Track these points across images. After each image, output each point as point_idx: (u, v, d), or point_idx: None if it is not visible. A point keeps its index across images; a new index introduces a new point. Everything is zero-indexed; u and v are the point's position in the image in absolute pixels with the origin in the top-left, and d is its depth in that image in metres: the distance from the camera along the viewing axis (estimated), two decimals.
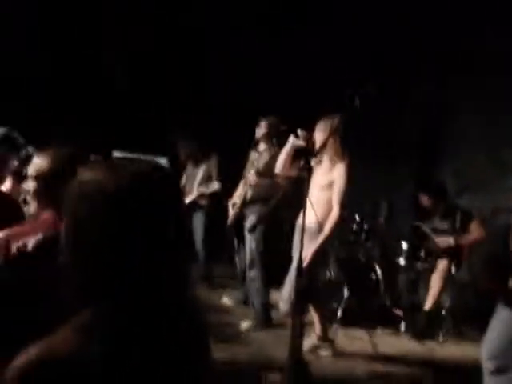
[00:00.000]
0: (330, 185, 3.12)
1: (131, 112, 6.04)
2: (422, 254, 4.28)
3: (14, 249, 1.33)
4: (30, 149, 2.70)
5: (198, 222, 5.20)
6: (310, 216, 2.86)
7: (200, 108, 6.19)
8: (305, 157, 3.21)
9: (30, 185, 1.55)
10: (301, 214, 2.95)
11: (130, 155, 6.46)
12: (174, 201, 0.85)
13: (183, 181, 5.47)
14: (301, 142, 3.16)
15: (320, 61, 5.38)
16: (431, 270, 4.15)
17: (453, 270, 4.09)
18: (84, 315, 0.77)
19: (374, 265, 4.39)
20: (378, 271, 4.34)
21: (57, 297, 0.83)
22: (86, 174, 0.80)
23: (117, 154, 6.48)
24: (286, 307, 3.01)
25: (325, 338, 3.44)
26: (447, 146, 5.15)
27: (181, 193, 0.93)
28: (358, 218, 4.55)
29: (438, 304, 4.06)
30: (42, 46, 5.52)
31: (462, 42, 4.67)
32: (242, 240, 4.23)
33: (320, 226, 3.01)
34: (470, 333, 3.96)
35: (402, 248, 4.40)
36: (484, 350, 1.98)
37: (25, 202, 1.73)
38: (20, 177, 2.26)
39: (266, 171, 3.89)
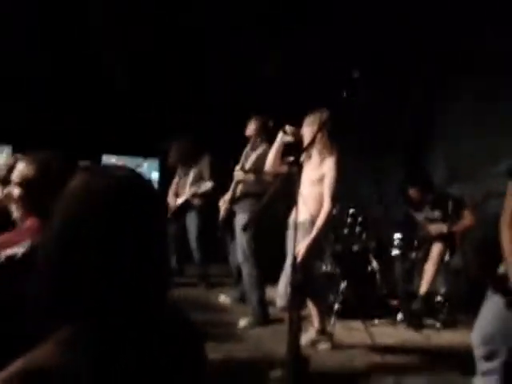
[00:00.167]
0: (321, 179, 3.13)
1: (130, 112, 6.03)
2: (416, 243, 4.32)
3: (2, 257, 1.31)
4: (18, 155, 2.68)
5: (192, 221, 5.20)
6: (303, 211, 2.87)
7: (199, 108, 6.19)
8: (294, 152, 3.23)
9: (14, 191, 1.53)
10: (293, 210, 2.97)
11: (120, 158, 6.48)
12: (158, 208, 0.85)
13: (176, 181, 5.48)
14: (289, 138, 3.17)
15: (320, 61, 5.39)
16: (425, 258, 4.20)
17: (447, 256, 4.14)
18: (67, 328, 0.75)
19: (369, 256, 4.42)
20: (374, 262, 4.37)
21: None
22: (72, 182, 0.80)
23: (107, 157, 6.50)
24: (283, 302, 3.02)
25: (323, 331, 3.46)
26: (436, 135, 5.18)
27: (161, 200, 0.93)
28: (351, 211, 4.57)
29: (432, 289, 4.10)
30: (41, 46, 5.50)
31: (459, 41, 4.70)
32: (233, 237, 4.24)
33: (313, 221, 3.02)
34: (465, 319, 4.00)
35: (395, 238, 4.43)
36: (475, 337, 2.00)
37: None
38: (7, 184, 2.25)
39: (256, 167, 3.90)
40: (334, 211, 4.23)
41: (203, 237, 5.19)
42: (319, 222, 3.06)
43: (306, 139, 3.14)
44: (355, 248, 4.54)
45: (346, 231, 4.58)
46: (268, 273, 3.91)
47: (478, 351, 1.98)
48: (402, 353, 3.41)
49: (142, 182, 0.85)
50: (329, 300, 4.07)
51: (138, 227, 0.78)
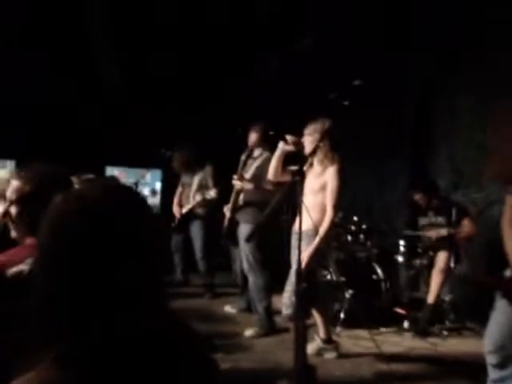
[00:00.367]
0: (323, 188, 3.14)
1: (131, 124, 6.06)
2: (420, 250, 4.31)
3: (9, 275, 1.29)
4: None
5: (196, 231, 5.21)
6: (306, 220, 2.88)
7: (200, 116, 6.23)
8: (296, 162, 3.25)
9: (11, 209, 1.48)
10: (296, 219, 2.98)
11: (123, 170, 6.52)
12: (150, 223, 0.85)
13: (179, 191, 5.50)
14: (290, 147, 3.19)
15: (320, 68, 5.42)
16: (430, 265, 4.18)
17: (452, 263, 4.12)
18: (61, 348, 0.74)
19: (373, 264, 4.41)
20: (378, 270, 4.36)
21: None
22: (57, 198, 0.80)
23: (110, 169, 6.53)
24: (289, 312, 3.02)
25: (329, 340, 3.45)
26: (440, 141, 5.19)
27: (153, 215, 0.92)
28: (355, 219, 4.57)
29: (439, 298, 4.08)
30: (41, 59, 5.53)
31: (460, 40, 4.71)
32: (237, 246, 4.24)
33: (316, 230, 3.03)
34: (471, 326, 3.98)
35: (399, 245, 4.42)
36: (486, 344, 1.99)
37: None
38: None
39: (257, 177, 3.92)
40: (337, 219, 4.26)
41: (208, 246, 5.19)
42: (322, 230, 3.06)
43: (307, 148, 3.15)
44: (359, 256, 4.54)
45: (349, 239, 4.58)
46: (273, 282, 3.91)
47: (490, 358, 1.97)
48: (408, 361, 3.39)
49: (132, 196, 0.84)
50: (334, 309, 4.06)
51: (130, 246, 0.77)
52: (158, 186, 6.87)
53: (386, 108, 5.30)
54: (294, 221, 3.14)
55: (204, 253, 5.16)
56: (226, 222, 4.25)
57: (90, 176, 2.94)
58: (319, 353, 3.41)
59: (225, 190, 4.36)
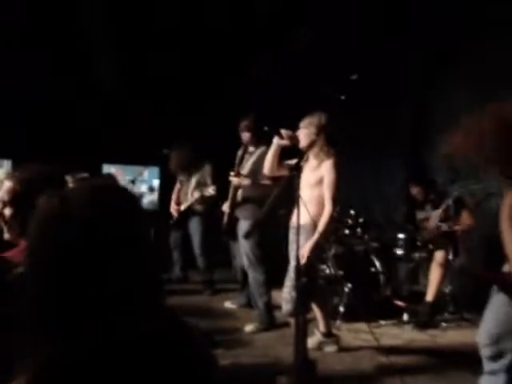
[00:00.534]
0: (320, 182, 3.14)
1: (129, 121, 6.05)
2: (419, 243, 4.32)
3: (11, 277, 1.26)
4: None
5: (195, 227, 5.21)
6: (303, 215, 2.88)
7: (198, 114, 6.21)
8: (292, 156, 3.25)
9: (5, 211, 1.46)
10: (294, 213, 2.98)
11: (120, 167, 6.51)
12: (139, 215, 0.84)
13: (177, 188, 5.49)
14: (285, 142, 3.18)
15: (317, 62, 5.41)
16: (429, 258, 4.20)
17: (450, 256, 4.13)
18: (51, 350, 0.72)
19: (372, 257, 4.42)
20: (377, 264, 4.37)
21: None
22: (43, 199, 0.79)
23: (107, 167, 6.52)
24: (288, 307, 3.03)
25: (329, 334, 3.46)
26: (437, 134, 5.19)
27: (141, 208, 0.90)
28: (352, 213, 4.58)
29: (439, 293, 4.09)
30: (38, 59, 5.51)
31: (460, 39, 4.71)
32: (237, 242, 4.24)
33: (314, 224, 3.03)
34: (470, 318, 4.01)
35: (398, 239, 4.43)
36: (481, 337, 2.00)
37: None
38: None
39: (253, 172, 3.92)
40: (335, 213, 4.26)
41: (206, 242, 5.20)
42: (321, 225, 3.06)
43: (302, 141, 3.15)
44: (358, 249, 4.55)
45: (347, 232, 4.59)
46: (273, 277, 3.92)
47: (485, 351, 1.98)
48: (408, 353, 3.41)
49: (121, 197, 0.84)
50: (333, 302, 4.07)
51: (119, 248, 0.76)
52: (156, 183, 6.86)
53: (384, 103, 5.30)
54: (291, 215, 3.14)
55: (203, 249, 5.17)
56: (225, 218, 4.25)
57: (85, 175, 2.93)
58: (319, 347, 3.43)
59: (223, 187, 4.36)
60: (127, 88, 6.15)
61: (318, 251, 3.18)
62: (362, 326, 3.76)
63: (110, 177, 4.88)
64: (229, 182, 4.10)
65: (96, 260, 0.74)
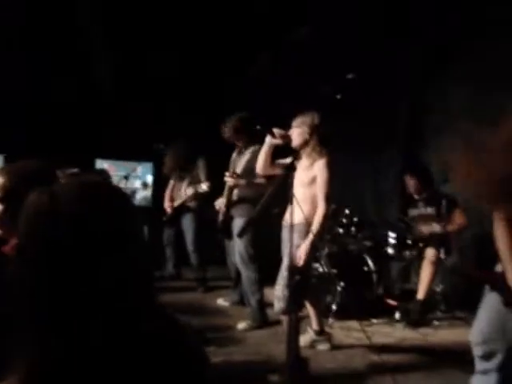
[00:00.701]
0: (312, 181, 3.14)
1: (122, 116, 6.02)
2: (410, 241, 4.34)
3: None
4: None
5: (188, 224, 5.20)
6: (297, 214, 2.88)
7: (192, 110, 6.19)
8: (285, 155, 3.25)
9: None
10: (287, 212, 2.98)
11: (114, 163, 6.47)
12: (129, 213, 0.83)
13: (171, 185, 5.48)
14: (277, 141, 3.18)
15: (312, 61, 5.40)
16: (421, 256, 4.21)
17: (442, 255, 4.15)
18: (41, 350, 0.72)
19: (365, 256, 4.44)
20: (370, 262, 4.39)
21: None
22: (33, 195, 0.78)
23: (100, 162, 6.48)
24: (281, 305, 3.03)
25: (321, 332, 3.47)
26: (430, 134, 5.21)
27: (131, 205, 0.89)
28: (346, 211, 4.59)
29: (430, 291, 4.11)
30: (30, 53, 5.46)
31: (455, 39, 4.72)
32: (231, 240, 4.25)
33: (307, 223, 3.03)
34: (462, 316, 4.03)
35: (390, 237, 4.45)
36: (474, 336, 2.01)
37: None
38: None
39: (247, 172, 3.92)
40: (329, 212, 4.27)
41: (200, 239, 5.19)
42: (315, 225, 3.06)
43: (295, 140, 3.15)
44: (351, 248, 4.56)
45: (341, 231, 4.60)
46: (266, 275, 3.92)
47: (477, 350, 1.99)
48: (400, 352, 3.42)
49: (110, 194, 0.82)
50: (326, 300, 4.08)
51: (109, 245, 0.76)
52: (150, 179, 6.83)
53: (382, 103, 5.30)
54: (285, 214, 3.14)
55: (196, 246, 5.16)
56: (219, 215, 4.25)
57: (76, 170, 2.91)
58: (312, 345, 3.43)
59: (217, 185, 4.36)
60: (122, 85, 6.11)
61: (311, 250, 3.18)
62: (355, 324, 3.77)
63: (103, 172, 4.85)
64: (222, 180, 4.10)
65: (86, 257, 0.73)
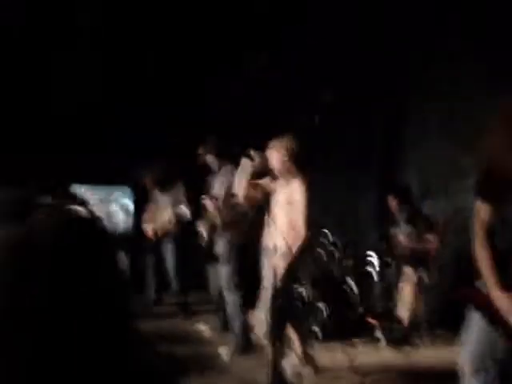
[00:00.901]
0: (290, 202, 3.14)
1: (99, 141, 5.97)
2: (391, 261, 4.36)
3: None
4: None
5: (169, 249, 5.14)
6: (276, 235, 2.86)
7: (169, 133, 6.17)
8: (264, 177, 3.26)
9: None
10: (267, 235, 2.97)
11: (91, 187, 6.38)
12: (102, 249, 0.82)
13: (150, 208, 5.42)
14: (254, 163, 3.19)
15: (288, 83, 5.48)
16: (401, 276, 4.23)
17: (423, 276, 4.17)
18: None
19: (347, 277, 4.44)
20: (352, 283, 4.38)
21: None
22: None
23: (76, 186, 6.38)
24: (263, 330, 2.99)
25: (305, 356, 3.42)
26: (409, 154, 5.30)
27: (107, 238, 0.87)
28: (327, 232, 4.60)
29: (412, 312, 4.12)
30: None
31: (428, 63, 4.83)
32: (215, 263, 4.20)
33: (287, 245, 3.01)
34: (444, 335, 4.04)
35: (370, 257, 4.47)
36: (462, 354, 2.00)
37: None
38: None
39: (226, 192, 3.92)
40: (310, 233, 4.28)
41: (181, 264, 5.12)
42: (295, 248, 3.03)
43: (272, 163, 3.17)
44: (333, 269, 4.56)
45: (322, 252, 4.59)
46: (250, 299, 3.87)
47: (467, 368, 1.98)
48: (383, 372, 3.41)
49: (86, 223, 0.80)
50: (309, 323, 4.04)
51: (85, 278, 0.73)
52: (128, 203, 6.74)
53: (358, 122, 5.37)
54: (265, 236, 3.12)
55: (177, 271, 5.09)
56: (202, 240, 4.22)
57: (51, 200, 2.85)
58: (296, 369, 3.38)
59: (197, 208, 4.33)
60: (99, 108, 6.07)
61: (293, 274, 3.16)
62: (338, 345, 3.74)
63: (79, 199, 4.77)
64: (202, 203, 4.09)
65: (60, 291, 0.70)
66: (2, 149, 5.56)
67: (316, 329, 4.01)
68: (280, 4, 5.07)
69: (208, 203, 3.97)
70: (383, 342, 3.99)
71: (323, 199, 5.04)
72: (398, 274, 4.32)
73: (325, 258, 4.58)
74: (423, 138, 5.06)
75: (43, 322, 0.70)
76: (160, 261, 5.28)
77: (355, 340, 4.03)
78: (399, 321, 4.07)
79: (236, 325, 3.91)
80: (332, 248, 4.58)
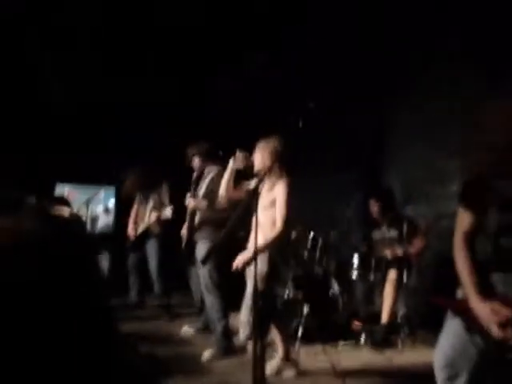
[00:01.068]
0: (273, 204, 3.15)
1: (84, 140, 5.90)
2: (373, 264, 4.40)
3: None
4: None
5: (152, 250, 5.11)
6: (260, 237, 2.86)
7: (155, 134, 6.13)
8: (247, 177, 3.27)
9: None
10: (250, 237, 2.97)
11: (76, 187, 6.32)
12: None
13: (135, 209, 5.38)
14: (240, 164, 3.20)
15: (274, 87, 5.49)
16: (384, 279, 4.28)
17: (404, 278, 4.22)
18: None
19: (330, 279, 4.46)
20: (335, 285, 4.41)
21: None
22: None
23: (62, 185, 6.31)
24: (246, 332, 2.99)
25: (287, 358, 3.43)
26: (391, 159, 5.35)
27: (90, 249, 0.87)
28: (311, 234, 4.62)
29: (393, 314, 4.16)
30: None
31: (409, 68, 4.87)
32: (195, 265, 4.19)
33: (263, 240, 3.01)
34: (424, 336, 4.09)
35: (353, 260, 4.50)
36: (437, 359, 2.02)
37: None
38: None
39: (208, 195, 3.92)
40: (293, 235, 4.29)
41: (164, 266, 5.09)
42: (268, 239, 3.04)
43: (257, 164, 3.18)
44: (316, 271, 4.58)
45: (306, 255, 4.61)
46: (231, 301, 3.86)
47: (441, 373, 2.01)
48: (365, 375, 3.43)
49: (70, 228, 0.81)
50: (292, 325, 4.05)
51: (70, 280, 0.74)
52: (112, 203, 6.69)
53: (344, 125, 5.41)
54: (248, 238, 3.12)
55: (160, 272, 5.06)
56: (183, 241, 4.20)
57: (34, 201, 2.81)
58: (278, 371, 3.39)
59: (180, 209, 4.32)
60: (83, 108, 6.02)
61: (275, 274, 3.17)
62: (321, 348, 3.75)
63: (63, 199, 4.72)
64: (185, 204, 4.08)
65: (40, 294, 0.70)
66: None
67: (299, 330, 4.02)
68: (280, 4, 5.08)
69: (191, 202, 3.97)
70: (367, 346, 4.02)
71: (307, 202, 5.06)
72: (381, 277, 4.37)
73: (308, 260, 4.60)
74: (404, 147, 5.12)
75: (27, 324, 0.69)
76: (143, 262, 5.24)
77: (338, 342, 4.06)
78: (380, 323, 4.11)
79: (217, 326, 3.88)
80: (315, 249, 4.60)
